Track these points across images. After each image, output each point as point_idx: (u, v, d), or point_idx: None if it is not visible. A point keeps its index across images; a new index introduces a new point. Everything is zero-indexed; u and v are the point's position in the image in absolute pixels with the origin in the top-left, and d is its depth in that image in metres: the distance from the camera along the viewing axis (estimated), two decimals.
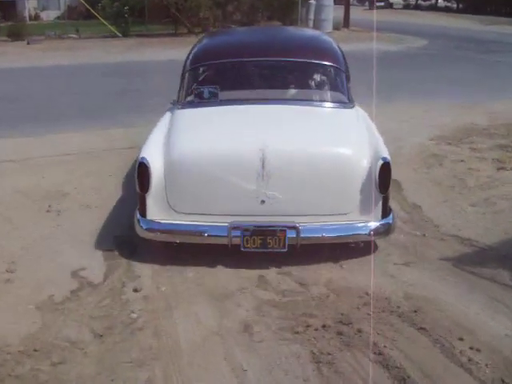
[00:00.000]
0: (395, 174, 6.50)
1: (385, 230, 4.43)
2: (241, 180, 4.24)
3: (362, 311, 3.64)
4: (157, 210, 4.36)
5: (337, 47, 5.93)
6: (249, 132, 4.60)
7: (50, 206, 5.63)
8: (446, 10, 57.79)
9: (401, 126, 8.91)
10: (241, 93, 5.31)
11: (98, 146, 7.77)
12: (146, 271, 4.32)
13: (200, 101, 5.20)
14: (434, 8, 59.94)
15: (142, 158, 4.33)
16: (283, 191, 4.23)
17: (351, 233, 4.37)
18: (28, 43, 21.74)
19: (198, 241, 4.35)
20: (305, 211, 4.30)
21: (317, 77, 5.51)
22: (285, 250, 4.19)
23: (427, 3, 63.85)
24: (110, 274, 4.25)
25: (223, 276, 4.23)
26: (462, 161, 7.00)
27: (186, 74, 5.51)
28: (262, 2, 25.55)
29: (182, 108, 5.24)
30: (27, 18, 33.46)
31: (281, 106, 5.07)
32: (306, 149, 4.43)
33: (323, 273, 4.24)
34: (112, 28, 23.59)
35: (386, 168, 4.31)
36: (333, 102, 5.24)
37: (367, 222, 4.34)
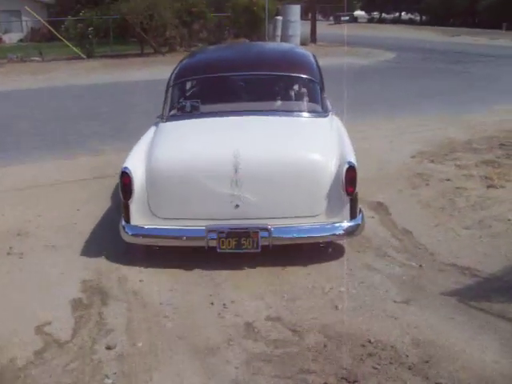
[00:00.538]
0: (380, 195, 6.34)
1: (353, 231, 4.64)
2: (216, 186, 4.49)
3: (366, 364, 3.22)
4: (140, 216, 4.61)
5: (312, 60, 6.17)
6: (223, 141, 4.84)
7: (10, 248, 5.13)
8: (410, 22, 58.69)
9: (379, 143, 8.64)
10: (220, 105, 5.58)
11: (62, 177, 7.27)
12: (119, 322, 3.86)
13: (182, 114, 5.55)
14: (398, 21, 60.78)
15: (125, 167, 4.61)
16: (256, 195, 4.47)
17: (320, 234, 4.58)
18: None
19: (177, 244, 4.61)
20: (277, 214, 4.52)
21: (291, 88, 5.91)
22: (258, 250, 4.42)
23: (391, 16, 64.68)
24: (78, 329, 3.77)
25: (205, 325, 3.80)
26: (448, 180, 6.69)
27: (170, 89, 5.76)
28: (229, 19, 25.31)
29: (166, 121, 5.49)
30: None
31: (256, 116, 5.28)
32: (276, 155, 4.64)
33: (317, 316, 3.83)
34: (76, 49, 23.07)
35: (351, 171, 4.53)
36: (306, 111, 5.50)
37: (336, 222, 4.56)
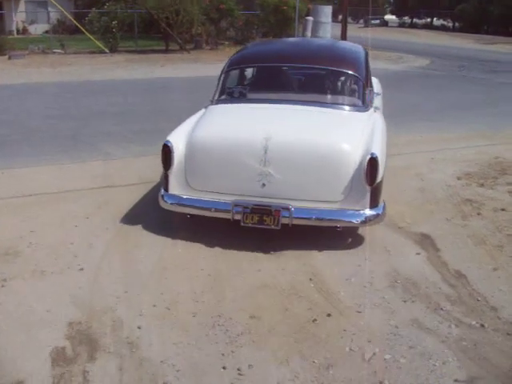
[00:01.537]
0: (425, 225, 5.49)
1: (372, 220, 4.83)
2: (245, 164, 4.81)
3: None
4: (177, 186, 5.04)
5: (360, 57, 6.46)
6: (259, 124, 5.18)
7: None
8: (442, 28, 57.27)
9: (418, 161, 7.76)
10: (265, 94, 5.93)
11: (67, 185, 6.51)
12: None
13: (230, 98, 5.91)
14: (430, 26, 59.42)
15: (167, 141, 5.04)
16: (281, 176, 4.77)
17: (338, 218, 4.80)
18: (9, 58, 20.53)
19: (206, 214, 4.94)
20: (299, 196, 4.80)
21: (335, 82, 6.20)
22: (278, 227, 4.71)
23: (422, 22, 63.30)
24: None
25: None
26: (503, 209, 5.80)
27: (222, 76, 6.17)
28: (257, 17, 24.46)
29: (214, 104, 5.90)
30: (15, 32, 32.33)
31: (295, 105, 5.58)
32: (304, 141, 4.94)
33: None
34: (99, 43, 22.42)
35: (373, 162, 4.69)
36: (346, 105, 5.73)
37: (356, 210, 4.78)
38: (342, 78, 6.15)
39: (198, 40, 23.05)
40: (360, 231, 5.19)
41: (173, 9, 20.82)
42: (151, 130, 9.05)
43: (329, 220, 4.82)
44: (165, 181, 5.15)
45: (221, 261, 4.65)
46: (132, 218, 5.52)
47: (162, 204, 5.16)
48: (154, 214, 5.47)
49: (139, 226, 5.30)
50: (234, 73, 6.38)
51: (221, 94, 6.04)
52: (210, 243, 4.92)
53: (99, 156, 7.77)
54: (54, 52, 22.44)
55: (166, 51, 22.49)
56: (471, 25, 51.72)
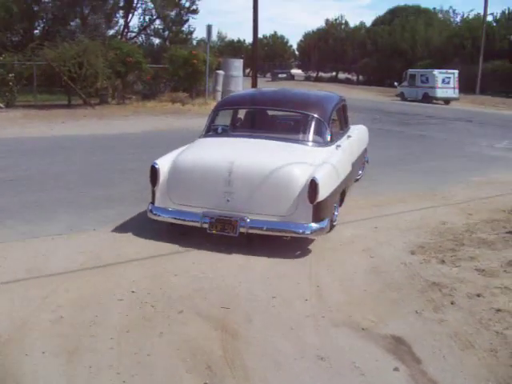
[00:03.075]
0: (393, 324, 4.44)
1: (315, 232, 5.84)
2: (214, 183, 5.96)
3: None
4: (161, 200, 6.18)
5: (328, 104, 7.65)
6: (227, 152, 6.34)
7: None
8: (347, 81, 59.03)
9: (359, 231, 6.82)
10: (243, 131, 7.44)
11: None
12: None
13: (214, 134, 7.21)
14: (335, 80, 61.11)
15: (154, 163, 6.23)
16: (242, 194, 5.86)
17: (286, 228, 5.81)
18: None
19: (182, 223, 6.09)
20: (255, 210, 5.82)
21: (300, 123, 7.28)
22: (236, 235, 5.78)
23: (328, 75, 65.13)
24: None
25: None
26: (479, 295, 4.87)
27: (210, 116, 7.43)
28: (167, 71, 23.46)
29: (200, 138, 7.18)
30: None
31: (262, 140, 6.81)
32: (260, 165, 6.01)
33: None
34: None
35: (313, 184, 5.67)
36: (306, 140, 6.86)
37: (301, 223, 5.79)
38: (307, 120, 7.10)
39: (103, 94, 21.67)
40: (317, 345, 4.05)
41: (76, 61, 19.37)
42: (44, 202, 7.62)
43: (278, 230, 5.86)
44: (152, 195, 6.28)
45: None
46: None
47: (150, 215, 6.25)
48: None
49: None
50: (219, 114, 7.53)
51: (207, 130, 7.33)
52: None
53: None
54: None
55: (69, 106, 20.93)
56: (374, 78, 53.56)
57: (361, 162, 9.42)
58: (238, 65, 24.60)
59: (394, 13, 62.39)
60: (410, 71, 38.04)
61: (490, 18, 45.25)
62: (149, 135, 14.83)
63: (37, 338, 3.96)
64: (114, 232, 6.40)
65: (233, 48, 63.77)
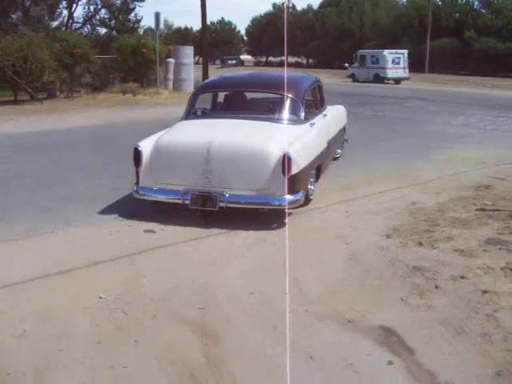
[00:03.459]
0: (380, 314, 4.24)
1: (290, 203, 6.19)
2: (194, 162, 6.30)
3: None
4: (145, 180, 6.53)
5: (302, 85, 8.05)
6: (205, 133, 6.71)
7: None
8: (297, 65, 58.96)
9: (330, 217, 6.64)
10: (221, 112, 7.95)
11: None
12: None
13: (193, 116, 7.62)
14: (286, 63, 60.90)
15: (137, 145, 6.56)
16: (220, 171, 6.20)
17: (263, 201, 6.25)
18: None
19: (164, 200, 6.48)
20: (234, 185, 6.19)
21: (276, 103, 7.67)
22: (216, 209, 6.16)
23: (278, 60, 64.94)
24: None
25: None
26: (463, 277, 4.73)
27: (190, 99, 7.82)
28: (116, 61, 22.76)
29: (181, 120, 7.53)
30: None
31: (240, 120, 7.18)
32: (237, 142, 6.39)
33: None
34: None
35: (285, 158, 6.00)
36: (281, 119, 7.19)
37: (277, 196, 6.14)
38: (281, 99, 7.44)
39: (50, 88, 20.85)
40: (304, 343, 3.82)
41: (20, 55, 18.55)
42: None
43: (255, 203, 6.28)
44: (136, 176, 6.58)
45: None
46: None
47: (135, 195, 6.59)
48: None
49: None
50: (198, 97, 7.88)
51: (187, 113, 7.66)
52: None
53: None
54: None
55: (15, 102, 20.06)
56: (324, 60, 53.63)
57: (339, 141, 9.83)
58: (188, 52, 24.09)
59: None
60: (361, 52, 38.21)
61: None
62: (102, 128, 14.29)
63: None
64: (76, 233, 6.01)
65: (180, 36, 62.71)
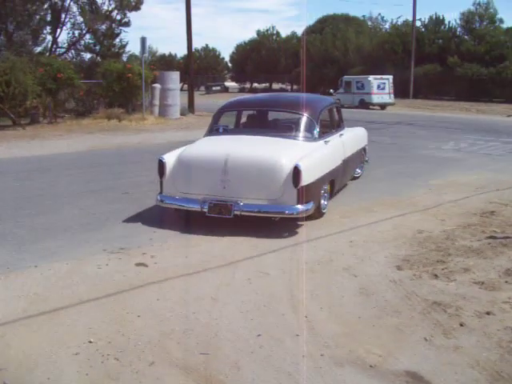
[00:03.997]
0: (403, 356, 3.80)
1: (300, 213, 6.65)
2: (212, 173, 6.83)
3: None
4: (168, 189, 7.10)
5: (318, 105, 8.44)
6: (224, 147, 7.22)
7: None
8: (282, 91, 59.00)
9: (337, 245, 6.25)
10: (241, 129, 8.58)
11: None
12: None
13: (216, 132, 8.12)
14: (269, 90, 61.00)
15: (161, 157, 7.13)
16: (236, 181, 6.72)
17: (275, 210, 6.67)
18: None
19: (185, 208, 7.01)
20: (248, 195, 6.68)
21: (292, 121, 8.11)
22: (231, 216, 6.60)
23: (262, 86, 65.06)
24: None
25: None
26: (488, 313, 4.33)
27: (213, 117, 8.43)
28: (101, 87, 22.35)
29: (204, 136, 8.15)
30: None
31: (259, 136, 7.71)
32: (251, 156, 6.92)
33: None
34: None
35: (296, 170, 6.53)
36: (296, 136, 7.71)
37: (288, 205, 6.62)
38: (298, 118, 7.96)
39: (33, 114, 20.36)
40: None
41: (2, 79, 18.07)
42: None
43: (267, 212, 6.67)
44: (160, 186, 7.13)
45: None
46: None
47: (159, 203, 7.13)
48: None
49: None
50: (221, 115, 8.37)
51: (210, 130, 8.20)
52: None
53: None
54: None
55: None
56: (309, 87, 53.69)
57: (358, 161, 10.21)
58: (174, 77, 23.74)
59: (324, 22, 62.98)
60: (346, 78, 38.18)
61: (418, 24, 46.17)
62: (85, 155, 13.80)
63: None
64: (61, 267, 5.51)
65: (164, 62, 62.36)
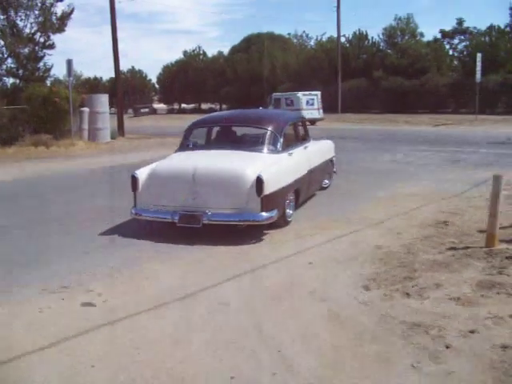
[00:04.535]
0: None
1: (264, 220, 7.07)
2: (181, 186, 7.28)
3: None
4: (141, 202, 7.49)
5: (281, 120, 9.00)
6: (191, 161, 7.65)
7: None
8: (211, 111, 58.84)
9: (296, 268, 5.92)
10: (211, 144, 8.94)
11: None
12: None
13: (185, 148, 8.67)
14: (199, 110, 60.76)
15: (134, 172, 7.57)
16: (205, 193, 7.13)
17: (241, 218, 7.06)
18: None
19: (157, 219, 7.46)
20: (216, 205, 7.08)
21: (257, 135, 8.57)
22: (200, 226, 7.02)
23: (191, 107, 64.67)
24: None
25: None
26: (472, 331, 4.05)
27: (183, 134, 8.96)
28: (26, 112, 21.28)
29: (174, 152, 8.65)
30: None
31: (226, 150, 8.22)
32: (218, 168, 7.41)
33: None
34: None
35: (259, 180, 6.96)
36: (260, 149, 8.17)
37: (253, 213, 7.02)
38: (262, 132, 8.37)
39: None
40: None
41: None
42: None
43: (234, 220, 7.08)
44: (134, 199, 7.52)
45: None
46: None
47: (133, 216, 7.55)
48: None
49: None
50: (190, 132, 8.86)
51: (180, 146, 8.71)
52: None
53: None
54: None
55: None
56: (237, 105, 53.78)
57: (325, 172, 10.59)
58: (103, 100, 23.00)
59: (249, 41, 63.38)
60: (275, 95, 38.36)
61: (342, 40, 47.16)
62: (8, 186, 12.91)
63: None
64: None
65: (90, 86, 60.91)
